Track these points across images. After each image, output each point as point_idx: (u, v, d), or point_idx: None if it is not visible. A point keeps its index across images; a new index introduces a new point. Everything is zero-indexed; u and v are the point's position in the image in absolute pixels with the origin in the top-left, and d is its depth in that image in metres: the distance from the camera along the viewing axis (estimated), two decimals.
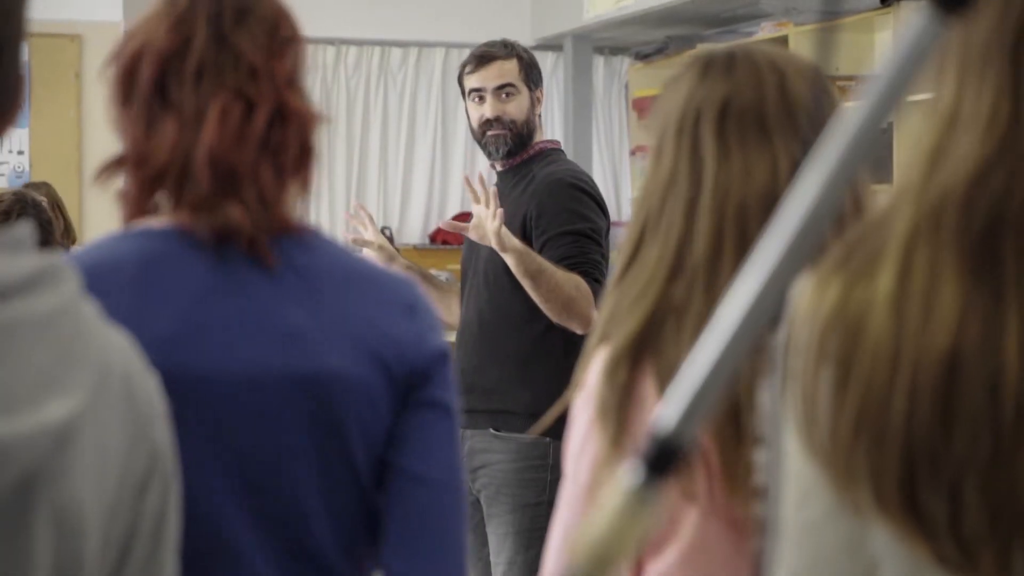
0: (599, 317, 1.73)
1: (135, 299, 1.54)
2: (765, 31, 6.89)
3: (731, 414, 1.61)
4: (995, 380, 0.95)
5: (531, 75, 4.03)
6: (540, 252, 3.81)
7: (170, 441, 1.24)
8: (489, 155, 4.06)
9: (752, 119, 1.70)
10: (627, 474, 0.97)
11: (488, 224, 3.72)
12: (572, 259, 3.78)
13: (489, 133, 3.99)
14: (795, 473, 1.05)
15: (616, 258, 1.79)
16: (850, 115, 0.97)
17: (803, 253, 0.97)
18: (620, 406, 1.64)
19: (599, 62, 8.91)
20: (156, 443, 1.21)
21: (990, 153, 0.99)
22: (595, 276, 3.78)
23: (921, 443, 0.97)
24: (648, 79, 7.92)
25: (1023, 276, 0.97)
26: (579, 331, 3.75)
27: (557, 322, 3.76)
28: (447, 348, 1.66)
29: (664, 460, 0.97)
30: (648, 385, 1.64)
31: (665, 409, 0.98)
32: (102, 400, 1.14)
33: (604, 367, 1.67)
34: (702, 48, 7.25)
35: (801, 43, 6.47)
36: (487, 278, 3.90)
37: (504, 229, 3.71)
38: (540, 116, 4.06)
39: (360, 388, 1.59)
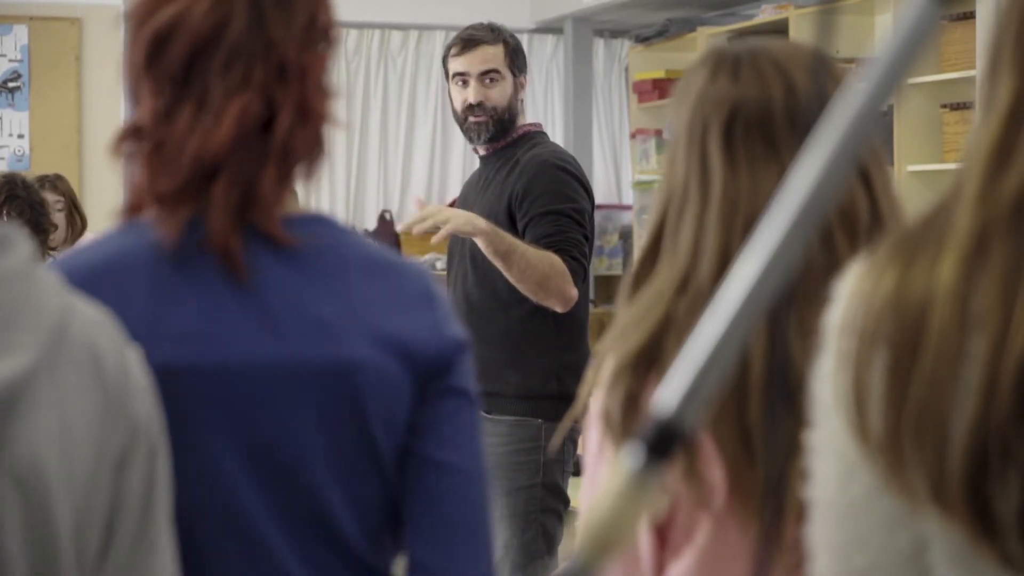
0: (613, 327, 1.73)
1: (153, 291, 1.53)
2: (765, 13, 6.88)
3: (743, 436, 1.60)
4: None
5: (516, 61, 4.03)
6: (523, 232, 3.82)
7: (156, 416, 1.23)
8: (470, 140, 4.08)
9: (758, 130, 1.68)
10: (628, 457, 0.97)
11: (447, 215, 3.74)
12: (551, 238, 3.78)
13: (471, 119, 4.00)
14: (838, 453, 1.05)
15: (625, 263, 1.78)
16: (850, 98, 0.97)
17: (805, 235, 0.97)
18: (624, 418, 1.64)
19: (599, 45, 8.90)
20: (136, 418, 1.20)
21: None
22: (573, 255, 3.78)
23: (995, 439, 0.96)
24: (648, 62, 7.91)
25: None
26: (559, 309, 3.77)
27: (535, 301, 3.77)
28: (465, 337, 1.65)
29: (665, 443, 0.97)
30: (653, 398, 1.63)
31: (665, 392, 0.98)
32: (58, 366, 1.14)
33: (608, 380, 1.67)
34: (702, 32, 7.25)
35: (801, 25, 6.46)
36: (475, 260, 3.89)
37: (468, 213, 3.75)
38: (523, 101, 4.06)
39: (383, 378, 1.57)
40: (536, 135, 4.05)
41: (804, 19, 6.46)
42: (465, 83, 4.00)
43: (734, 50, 1.75)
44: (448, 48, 4.09)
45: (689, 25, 7.49)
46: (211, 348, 1.53)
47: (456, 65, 4.03)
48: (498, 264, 3.76)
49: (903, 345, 1.00)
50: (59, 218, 6.19)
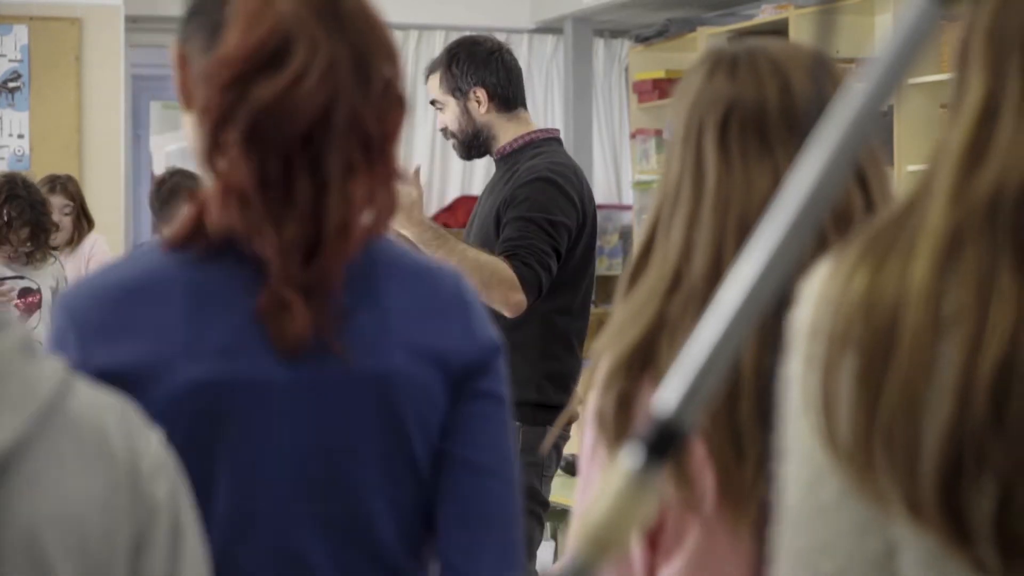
0: (607, 327, 1.73)
1: (190, 307, 1.53)
2: (766, 13, 6.88)
3: (734, 439, 1.60)
4: None
5: (457, 82, 4.01)
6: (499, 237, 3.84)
7: (181, 493, 1.21)
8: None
9: (753, 128, 1.68)
10: (628, 457, 0.97)
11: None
12: (511, 241, 3.78)
13: (448, 140, 4.15)
14: (806, 456, 1.04)
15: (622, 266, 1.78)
16: (850, 98, 0.97)
17: (803, 235, 0.97)
18: (618, 419, 1.64)
19: (599, 45, 8.90)
20: (153, 499, 1.18)
21: None
22: (527, 261, 3.75)
23: (970, 444, 0.94)
24: (648, 62, 7.91)
25: None
26: (507, 314, 3.74)
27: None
28: (499, 340, 1.67)
29: (664, 443, 0.97)
30: (648, 398, 1.63)
31: (665, 392, 0.98)
32: (56, 444, 1.13)
33: (603, 380, 1.67)
34: (702, 32, 7.25)
35: (801, 25, 6.46)
36: None
37: (414, 215, 3.78)
38: (496, 112, 4.01)
39: (418, 386, 1.58)
40: (543, 143, 4.02)
41: (804, 19, 6.45)
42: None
43: (733, 50, 1.75)
44: None
45: (689, 25, 7.49)
46: (250, 362, 1.54)
47: None
48: None
49: (874, 349, 0.99)
50: (67, 221, 6.19)
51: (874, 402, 0.98)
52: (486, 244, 3.87)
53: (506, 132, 4.01)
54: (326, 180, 1.52)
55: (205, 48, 1.58)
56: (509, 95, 4.02)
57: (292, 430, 1.56)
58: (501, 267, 3.74)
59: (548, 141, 4.04)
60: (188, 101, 1.61)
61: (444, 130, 4.11)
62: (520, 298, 3.75)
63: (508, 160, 4.00)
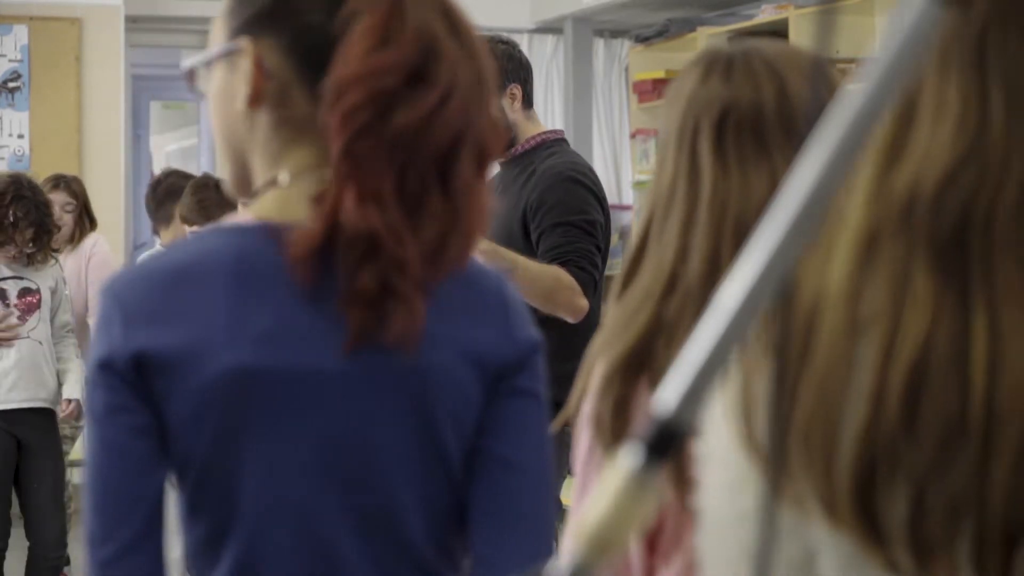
0: (602, 330, 1.73)
1: (233, 294, 1.54)
2: (765, 13, 6.88)
3: None
4: (964, 387, 0.93)
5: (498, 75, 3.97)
6: (536, 243, 3.83)
7: None
8: None
9: (749, 131, 1.68)
10: (627, 457, 0.97)
11: None
12: (559, 249, 3.78)
13: None
14: (726, 462, 1.04)
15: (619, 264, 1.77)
16: (849, 98, 0.97)
17: (803, 235, 0.97)
18: (615, 423, 1.64)
19: (599, 45, 8.90)
20: None
21: (961, 153, 0.96)
22: (581, 265, 3.77)
23: (883, 447, 0.94)
24: (649, 62, 7.91)
25: (989, 280, 0.94)
26: (570, 320, 3.73)
27: (545, 312, 3.74)
28: (538, 339, 1.67)
29: (665, 442, 0.97)
30: (645, 401, 1.63)
31: (665, 391, 0.98)
32: None
33: (600, 382, 1.67)
34: (702, 32, 7.25)
35: (801, 25, 6.46)
36: None
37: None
38: (522, 109, 3.99)
39: (455, 385, 1.59)
40: (555, 143, 4.02)
41: (804, 19, 6.45)
42: None
43: (727, 51, 1.75)
44: None
45: (689, 25, 7.49)
46: (289, 351, 1.54)
47: None
48: None
49: (792, 351, 0.99)
50: (67, 218, 6.21)
51: (791, 405, 0.98)
52: (510, 247, 3.83)
53: (524, 131, 3.99)
54: (454, 193, 1.54)
55: (291, 51, 1.58)
56: (531, 94, 4.02)
57: (327, 420, 1.56)
58: (562, 274, 3.74)
59: (558, 142, 4.04)
60: (258, 100, 1.60)
61: None
62: (584, 303, 3.74)
63: (521, 160, 3.98)
